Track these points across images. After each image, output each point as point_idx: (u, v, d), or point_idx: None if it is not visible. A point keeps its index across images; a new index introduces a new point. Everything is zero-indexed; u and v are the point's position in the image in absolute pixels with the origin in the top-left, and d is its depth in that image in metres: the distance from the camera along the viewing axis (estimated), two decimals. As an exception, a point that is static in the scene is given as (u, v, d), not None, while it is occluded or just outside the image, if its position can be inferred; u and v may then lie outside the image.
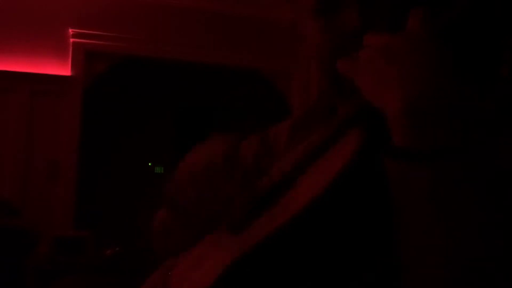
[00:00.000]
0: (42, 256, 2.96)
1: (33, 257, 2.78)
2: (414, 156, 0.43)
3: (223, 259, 0.52)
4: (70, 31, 3.57)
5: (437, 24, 0.48)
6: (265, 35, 4.01)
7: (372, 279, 0.51)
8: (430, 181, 0.43)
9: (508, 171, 0.42)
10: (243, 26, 3.99)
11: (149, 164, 5.74)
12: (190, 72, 5.13)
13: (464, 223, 0.41)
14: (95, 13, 3.65)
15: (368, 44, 0.49)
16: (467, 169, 0.42)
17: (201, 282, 0.53)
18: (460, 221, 0.41)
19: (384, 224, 0.50)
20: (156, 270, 0.72)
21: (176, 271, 0.65)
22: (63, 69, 3.56)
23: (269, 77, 4.21)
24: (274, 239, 0.50)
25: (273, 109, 3.69)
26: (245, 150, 0.87)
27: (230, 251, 0.53)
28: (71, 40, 3.58)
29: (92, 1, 3.65)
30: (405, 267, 0.46)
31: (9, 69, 3.41)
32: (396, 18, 0.52)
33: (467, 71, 0.52)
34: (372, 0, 0.57)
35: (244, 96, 5.28)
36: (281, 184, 0.59)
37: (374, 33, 0.50)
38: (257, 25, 3.99)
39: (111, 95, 5.15)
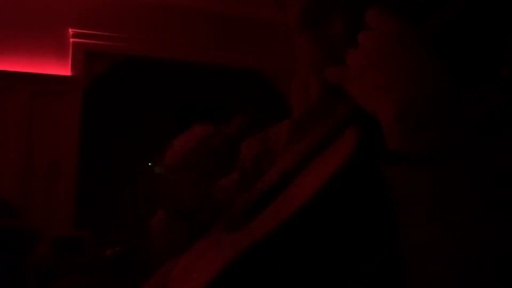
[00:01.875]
0: (42, 256, 2.96)
1: (33, 257, 2.78)
2: (410, 160, 0.44)
3: (222, 258, 0.52)
4: (70, 31, 3.57)
5: (433, 25, 0.48)
6: (265, 35, 4.01)
7: (371, 279, 0.51)
8: (429, 182, 0.43)
9: (507, 171, 0.42)
10: (243, 26, 4.00)
11: (149, 164, 5.74)
12: (190, 72, 5.13)
13: (463, 223, 0.41)
14: (95, 13, 3.66)
15: (363, 43, 0.49)
16: (466, 169, 0.42)
17: (200, 281, 0.53)
18: (460, 221, 0.41)
19: (382, 222, 0.50)
20: (156, 271, 0.72)
21: (176, 271, 0.65)
22: (63, 69, 3.56)
23: (269, 77, 4.21)
24: (272, 238, 0.50)
25: (272, 109, 3.69)
26: (245, 150, 0.87)
27: (229, 250, 0.53)
28: (71, 40, 3.58)
29: (92, 1, 3.65)
30: (405, 267, 0.46)
31: (9, 69, 3.42)
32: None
33: (466, 71, 0.52)
34: (357, 6, 0.57)
35: (243, 96, 5.28)
36: (280, 184, 0.59)
37: (366, 32, 0.49)
38: (257, 25, 4.00)
39: (111, 95, 5.15)
